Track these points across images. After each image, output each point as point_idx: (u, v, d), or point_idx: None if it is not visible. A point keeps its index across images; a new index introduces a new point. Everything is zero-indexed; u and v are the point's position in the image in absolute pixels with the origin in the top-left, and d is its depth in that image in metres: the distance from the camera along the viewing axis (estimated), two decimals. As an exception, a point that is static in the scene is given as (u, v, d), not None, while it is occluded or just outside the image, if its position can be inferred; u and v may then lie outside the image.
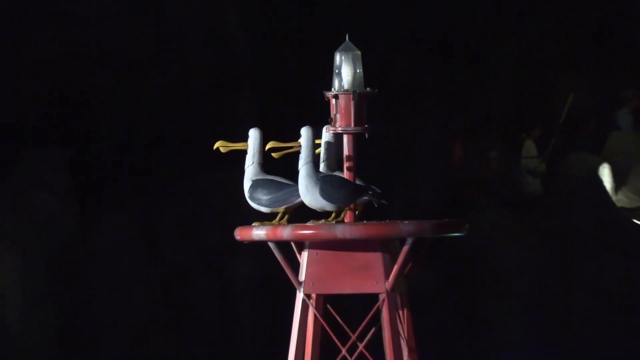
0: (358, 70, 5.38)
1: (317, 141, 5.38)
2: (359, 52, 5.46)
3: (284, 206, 5.35)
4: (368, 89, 5.44)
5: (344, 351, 5.36)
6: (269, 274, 11.42)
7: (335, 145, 5.45)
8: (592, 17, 30.12)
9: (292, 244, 5.42)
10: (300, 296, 5.40)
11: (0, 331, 19.22)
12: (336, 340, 5.36)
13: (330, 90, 5.38)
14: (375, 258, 5.41)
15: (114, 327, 19.49)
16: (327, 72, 5.50)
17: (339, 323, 5.54)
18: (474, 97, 24.18)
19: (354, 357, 5.38)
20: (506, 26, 26.35)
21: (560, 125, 25.31)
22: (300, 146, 5.28)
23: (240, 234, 5.36)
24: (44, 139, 20.74)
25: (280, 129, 5.93)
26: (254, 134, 5.39)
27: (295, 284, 5.39)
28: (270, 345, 11.52)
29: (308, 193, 5.13)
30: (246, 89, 21.35)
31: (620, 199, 24.61)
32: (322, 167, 5.44)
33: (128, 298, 19.63)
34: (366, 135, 5.42)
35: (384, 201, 5.46)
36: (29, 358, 19.01)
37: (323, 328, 5.44)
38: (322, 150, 5.49)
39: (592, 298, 21.96)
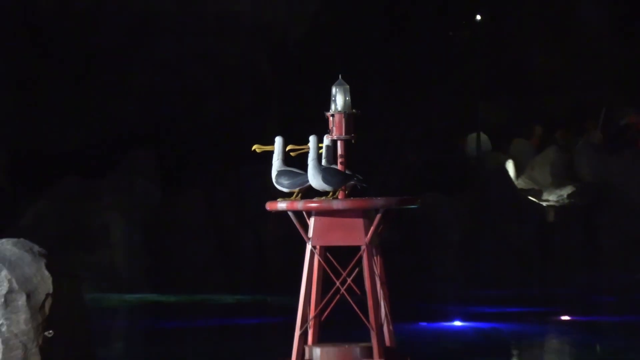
0: (347, 98, 5.55)
1: (320, 145, 5.37)
2: (347, 86, 5.54)
3: (298, 188, 5.40)
4: (354, 110, 5.51)
5: (337, 283, 5.38)
6: (289, 233, 10.86)
7: (332, 147, 5.48)
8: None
9: (304, 213, 5.47)
10: (308, 247, 5.42)
11: (112, 270, 19.39)
12: (332, 276, 5.36)
13: (328, 111, 5.51)
14: (358, 222, 5.46)
15: (187, 268, 19.68)
16: (326, 99, 5.55)
17: (335, 265, 5.55)
18: (418, 116, 25.75)
19: (344, 287, 5.33)
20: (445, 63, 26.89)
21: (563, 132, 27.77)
22: (309, 148, 5.31)
23: (269, 206, 5.48)
24: (142, 141, 21.22)
25: (296, 137, 5.64)
26: (278, 140, 5.46)
27: (305, 239, 5.46)
28: (290, 279, 11.23)
29: (314, 179, 5.29)
30: (274, 111, 22.53)
31: (519, 183, 25.74)
32: (323, 162, 5.37)
33: (196, 248, 19.82)
34: (352, 141, 5.48)
35: (364, 184, 5.47)
36: (130, 288, 18.70)
37: (324, 268, 5.44)
38: (323, 150, 5.43)
39: (500, 248, 22.29)
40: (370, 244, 5.25)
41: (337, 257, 5.53)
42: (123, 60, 22.59)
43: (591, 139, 28.86)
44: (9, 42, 21.51)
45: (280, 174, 5.22)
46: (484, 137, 25.47)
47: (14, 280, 6.09)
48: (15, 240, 6.14)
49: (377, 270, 5.35)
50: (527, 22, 31.68)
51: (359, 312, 5.26)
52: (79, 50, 21.94)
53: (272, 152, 5.40)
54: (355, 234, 5.23)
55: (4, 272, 6.05)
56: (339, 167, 5.28)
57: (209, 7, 22.59)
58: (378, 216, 5.29)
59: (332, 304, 5.26)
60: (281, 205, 5.23)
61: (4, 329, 6.08)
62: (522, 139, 26.85)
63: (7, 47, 21.37)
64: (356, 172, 5.32)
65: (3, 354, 6.16)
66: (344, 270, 5.35)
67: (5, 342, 5.97)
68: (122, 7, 22.01)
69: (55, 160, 21.32)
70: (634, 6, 32.99)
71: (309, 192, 5.36)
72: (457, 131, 26.07)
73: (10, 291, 6.00)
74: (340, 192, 5.30)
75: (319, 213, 5.27)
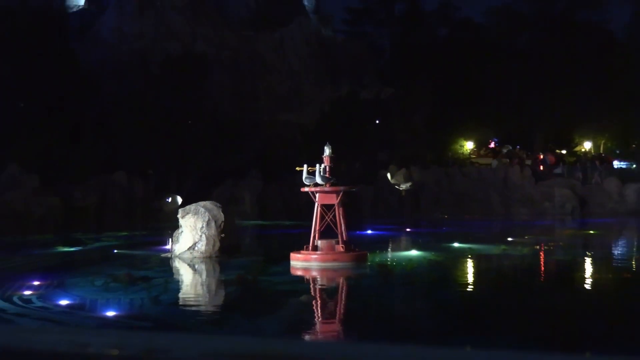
0: (329, 150, 14.37)
1: (321, 166, 15.05)
2: (330, 146, 13.98)
3: (313, 182, 14.89)
4: (331, 154, 14.52)
5: (327, 218, 15.21)
6: (308, 200, 16.88)
7: (324, 168, 14.39)
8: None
9: (314, 192, 15.36)
10: (316, 204, 15.49)
11: (247, 212, 38.77)
12: (325, 214, 14.90)
13: (323, 154, 14.84)
14: (333, 195, 14.71)
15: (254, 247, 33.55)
16: (321, 147, 14.17)
17: (325, 214, 14.33)
18: (383, 146, 49.58)
19: (328, 219, 14.45)
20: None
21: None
22: (315, 169, 14.79)
23: (302, 189, 15.52)
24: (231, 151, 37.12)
25: (312, 164, 14.54)
26: (305, 166, 15.12)
27: (314, 201, 15.50)
28: (310, 216, 16.83)
29: (318, 180, 14.84)
30: (304, 155, 32.33)
31: (399, 183, 45.57)
32: (321, 174, 14.28)
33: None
34: (331, 165, 14.96)
35: (335, 182, 14.80)
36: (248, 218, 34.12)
37: (321, 212, 14.31)
38: (320, 169, 14.95)
39: (386, 202, 45.53)
40: (338, 204, 14.58)
41: (327, 210, 15.08)
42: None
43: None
44: None
45: (306, 178, 14.46)
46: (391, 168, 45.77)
47: (209, 215, 15.45)
48: (210, 202, 15.94)
49: (340, 213, 14.59)
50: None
51: (334, 227, 14.26)
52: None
53: (302, 170, 14.74)
54: (332, 199, 14.43)
55: (207, 212, 15.43)
56: (327, 175, 14.34)
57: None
58: (341, 193, 14.62)
59: (324, 225, 14.34)
60: (306, 190, 14.79)
61: (206, 232, 15.36)
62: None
63: None
64: (333, 177, 14.49)
65: (206, 243, 15.36)
66: (328, 213, 14.53)
67: (207, 238, 15.32)
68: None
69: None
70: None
71: (315, 185, 14.83)
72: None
73: (209, 219, 15.40)
74: (327, 184, 14.60)
75: (320, 192, 14.56)
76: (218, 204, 18.69)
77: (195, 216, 17.93)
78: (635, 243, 27.59)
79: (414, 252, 20.54)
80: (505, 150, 53.45)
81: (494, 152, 55.65)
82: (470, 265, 18.90)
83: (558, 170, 49.82)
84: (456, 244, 22.86)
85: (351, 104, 51.69)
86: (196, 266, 17.62)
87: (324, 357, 0.82)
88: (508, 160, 50.37)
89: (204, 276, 16.87)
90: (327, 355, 0.83)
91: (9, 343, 0.98)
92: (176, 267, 17.87)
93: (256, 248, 24.63)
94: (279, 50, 58.50)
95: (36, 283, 14.91)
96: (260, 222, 36.60)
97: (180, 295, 14.59)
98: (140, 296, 13.47)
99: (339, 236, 15.81)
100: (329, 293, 14.61)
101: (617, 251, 24.48)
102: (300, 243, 17.44)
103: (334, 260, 15.84)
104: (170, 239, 19.82)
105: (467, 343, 9.82)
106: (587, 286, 16.02)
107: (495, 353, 0.82)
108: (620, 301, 13.95)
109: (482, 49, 56.89)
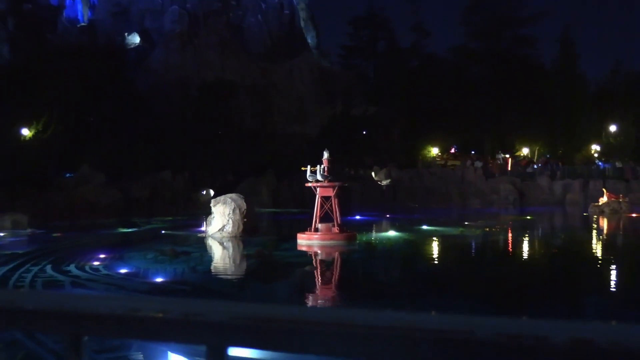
0: (327, 154, 13.67)
1: (321, 166, 14.09)
2: (328, 151, 13.61)
3: (315, 179, 14.38)
4: (329, 157, 13.72)
5: (326, 207, 14.99)
6: (311, 193, 17.25)
7: (323, 168, 14.01)
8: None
9: (316, 187, 14.30)
10: (317, 195, 15.14)
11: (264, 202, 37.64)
12: (325, 206, 14.35)
13: (322, 157, 14.08)
14: (330, 189, 14.01)
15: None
16: (321, 152, 13.94)
17: (324, 204, 14.09)
18: (368, 151, 40.76)
19: (326, 208, 14.01)
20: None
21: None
22: (316, 169, 13.93)
23: (306, 184, 14.87)
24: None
25: (314, 165, 14.19)
26: (309, 167, 14.23)
27: (316, 193, 14.77)
28: (312, 204, 16.62)
29: (318, 176, 14.26)
30: (308, 158, 33.23)
31: (380, 180, 43.84)
32: (320, 173, 13.99)
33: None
34: (329, 166, 14.66)
35: (331, 179, 14.05)
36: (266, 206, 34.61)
37: (321, 202, 14.02)
38: (320, 168, 14.14)
39: (369, 193, 43.48)
40: (334, 196, 14.33)
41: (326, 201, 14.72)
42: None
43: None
44: None
45: (309, 175, 14.26)
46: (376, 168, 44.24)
47: (235, 204, 15.33)
48: (235, 194, 15.68)
49: (335, 203, 14.42)
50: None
51: (331, 214, 14.11)
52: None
53: (306, 170, 14.50)
54: (330, 192, 14.21)
55: (233, 202, 15.26)
56: (325, 173, 14.17)
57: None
58: (336, 188, 14.41)
59: (323, 212, 14.18)
60: (309, 185, 14.47)
61: (232, 217, 15.25)
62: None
63: None
64: (330, 175, 14.26)
65: (232, 225, 15.26)
66: (326, 203, 14.34)
67: (233, 222, 15.19)
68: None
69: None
70: None
71: (316, 181, 14.49)
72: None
73: (234, 207, 15.27)
74: (326, 181, 14.36)
75: (320, 186, 14.31)
76: (241, 196, 18.87)
77: (224, 205, 18.02)
78: (559, 226, 27.59)
79: (392, 233, 20.63)
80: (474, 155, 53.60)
81: (454, 156, 55.85)
82: (435, 242, 18.86)
83: (529, 170, 49.03)
84: (425, 227, 22.86)
85: (344, 119, 51.97)
86: (224, 243, 17.64)
87: (323, 319, 0.80)
88: (471, 161, 50.24)
89: (230, 251, 16.87)
90: (326, 318, 0.81)
91: (78, 307, 0.96)
92: (209, 244, 17.85)
93: (271, 229, 24.48)
94: (288, 78, 58.49)
95: (102, 256, 14.94)
96: (274, 209, 36.66)
97: (213, 265, 14.61)
98: (182, 266, 13.48)
99: (335, 221, 16.08)
100: (327, 264, 14.67)
101: (546, 232, 24.42)
102: (305, 226, 17.58)
103: (331, 239, 16.03)
104: (204, 223, 19.88)
105: (433, 302, 9.56)
106: (525, 258, 16.00)
107: (479, 318, 0.79)
108: (549, 268, 14.05)
109: (444, 77, 56.98)
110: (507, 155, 52.31)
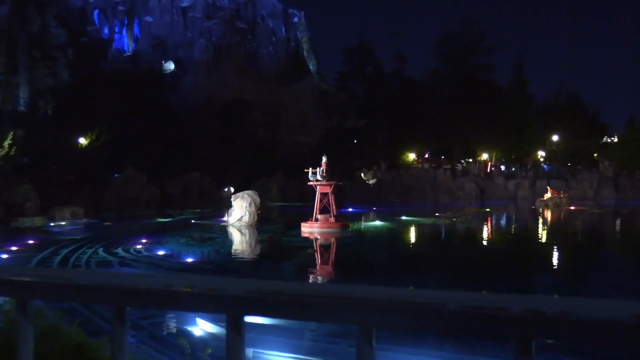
0: (325, 158, 13.38)
1: (320, 168, 13.75)
2: (325, 157, 13.42)
3: (315, 179, 14.03)
4: (327, 161, 13.48)
5: (325, 201, 13.89)
6: (312, 190, 16.90)
7: (322, 170, 13.72)
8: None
9: (316, 185, 14.40)
10: (317, 191, 14.96)
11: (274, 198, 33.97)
12: (324, 200, 14.12)
13: (321, 161, 13.89)
14: (328, 187, 13.71)
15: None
16: (320, 157, 13.80)
17: (323, 199, 13.93)
18: (358, 156, 39.16)
19: (324, 202, 13.38)
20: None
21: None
22: (317, 171, 13.66)
23: (308, 183, 14.13)
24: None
25: (314, 167, 13.82)
26: (310, 169, 13.71)
27: (316, 190, 14.16)
28: (312, 198, 16.62)
29: (318, 177, 13.96)
30: (312, 162, 31.46)
31: (368, 179, 42.27)
32: (320, 174, 13.77)
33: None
34: (327, 168, 13.97)
35: (328, 179, 13.68)
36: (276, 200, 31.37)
37: (321, 197, 13.82)
38: (319, 170, 13.90)
39: (358, 193, 41.18)
40: (331, 192, 14.23)
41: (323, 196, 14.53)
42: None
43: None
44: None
45: (311, 176, 14.11)
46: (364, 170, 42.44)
47: (250, 199, 15.26)
48: (251, 190, 15.54)
49: (332, 198, 14.33)
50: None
51: (328, 207, 14.04)
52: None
53: (308, 171, 14.39)
54: (327, 189, 14.14)
55: (249, 197, 15.20)
56: (324, 174, 14.05)
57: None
58: (333, 186, 14.29)
59: (321, 205, 14.07)
60: (311, 183, 14.35)
61: (248, 209, 15.16)
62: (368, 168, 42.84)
63: None
64: (327, 176, 14.14)
65: (249, 216, 15.16)
66: (324, 198, 14.24)
67: (249, 213, 15.08)
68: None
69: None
70: None
71: (316, 181, 14.36)
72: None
73: (250, 201, 15.17)
74: (324, 180, 14.24)
75: (320, 184, 14.18)
76: (256, 192, 18.84)
77: (242, 199, 17.91)
78: (512, 216, 27.62)
79: (378, 222, 20.54)
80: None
81: (428, 160, 55.89)
82: (413, 230, 18.79)
83: (505, 172, 48.48)
84: (404, 217, 22.82)
85: (339, 130, 52.12)
86: (242, 231, 17.54)
87: (321, 293, 0.79)
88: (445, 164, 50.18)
89: (247, 237, 16.70)
90: (323, 291, 0.80)
91: (121, 283, 0.95)
92: (230, 232, 17.71)
93: (279, 220, 24.06)
94: (293, 97, 58.50)
95: (143, 240, 14.93)
96: (282, 203, 35.83)
97: (233, 248, 14.53)
98: (208, 249, 13.48)
99: (331, 212, 15.96)
100: (325, 247, 14.64)
101: (502, 221, 24.66)
102: (307, 217, 17.42)
103: (328, 227, 15.93)
104: (226, 214, 19.68)
105: (408, 278, 9.65)
106: (485, 242, 16.10)
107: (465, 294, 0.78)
108: (505, 249, 14.16)
109: (420, 96, 57.01)
110: (485, 158, 52.23)
